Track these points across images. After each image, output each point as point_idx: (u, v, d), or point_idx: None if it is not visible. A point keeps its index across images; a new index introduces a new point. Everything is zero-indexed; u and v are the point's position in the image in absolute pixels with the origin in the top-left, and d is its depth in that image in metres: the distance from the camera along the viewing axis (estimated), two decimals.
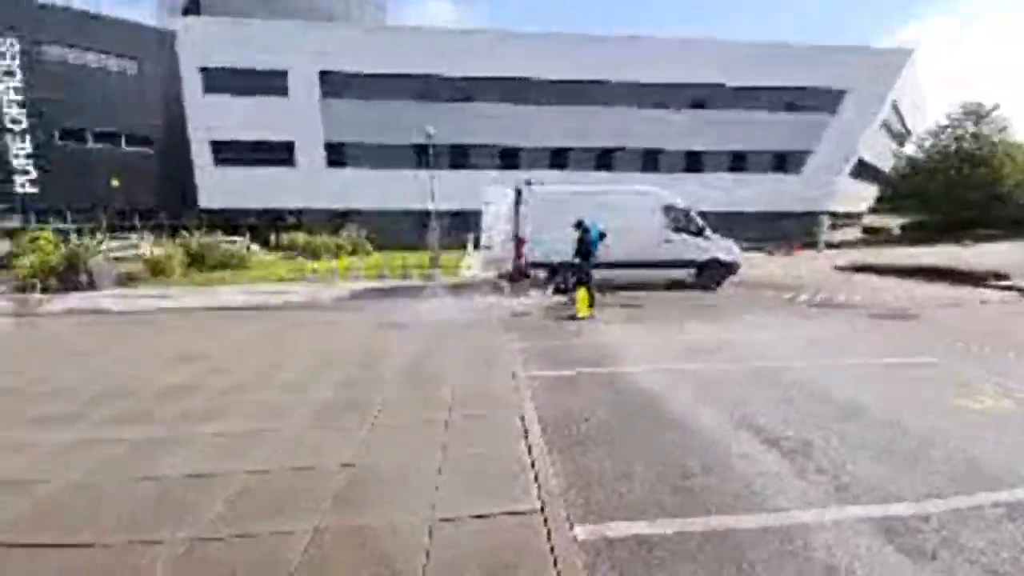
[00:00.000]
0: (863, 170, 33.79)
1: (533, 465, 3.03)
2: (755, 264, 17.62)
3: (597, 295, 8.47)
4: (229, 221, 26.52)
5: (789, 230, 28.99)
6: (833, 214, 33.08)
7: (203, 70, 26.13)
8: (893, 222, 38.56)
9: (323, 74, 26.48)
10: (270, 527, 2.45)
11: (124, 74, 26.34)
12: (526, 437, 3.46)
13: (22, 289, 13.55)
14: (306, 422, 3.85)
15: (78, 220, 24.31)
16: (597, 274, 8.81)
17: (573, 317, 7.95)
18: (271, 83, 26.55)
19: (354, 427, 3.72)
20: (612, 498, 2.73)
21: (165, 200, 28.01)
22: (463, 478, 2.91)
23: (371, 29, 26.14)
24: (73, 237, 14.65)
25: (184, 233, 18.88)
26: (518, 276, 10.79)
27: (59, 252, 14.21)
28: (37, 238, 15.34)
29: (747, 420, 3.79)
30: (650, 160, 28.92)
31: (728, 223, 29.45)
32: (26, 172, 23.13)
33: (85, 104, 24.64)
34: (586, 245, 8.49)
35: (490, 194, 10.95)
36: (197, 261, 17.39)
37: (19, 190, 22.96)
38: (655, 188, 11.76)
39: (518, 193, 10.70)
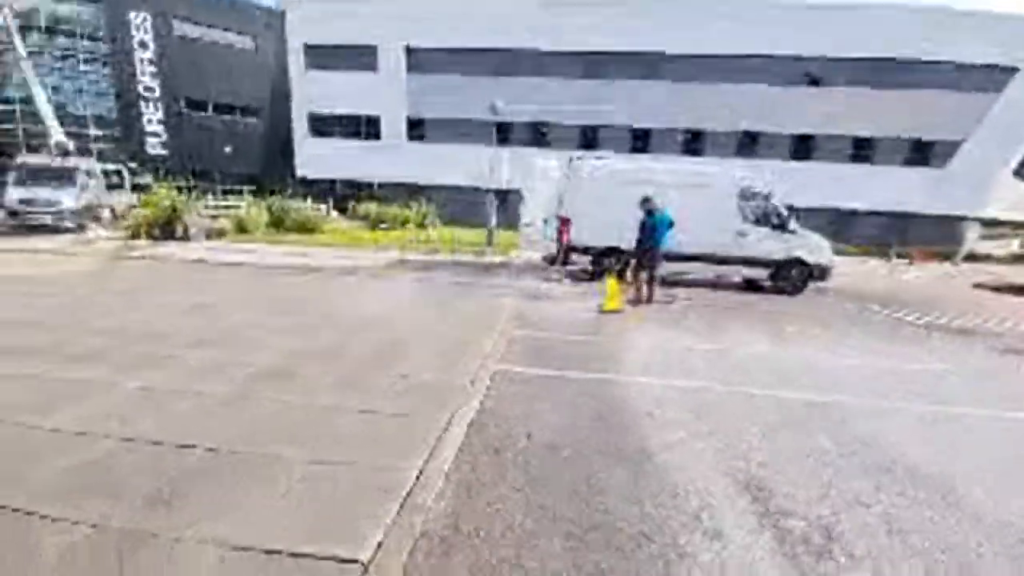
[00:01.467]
0: None
1: (408, 496, 2.32)
2: (863, 272, 14.76)
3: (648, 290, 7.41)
4: (322, 190, 28.41)
5: (923, 235, 24.18)
6: (987, 221, 27.01)
7: (306, 46, 27.88)
8: None
9: (409, 50, 26.90)
10: None
11: (241, 49, 28.97)
12: (431, 453, 2.74)
13: (134, 236, 15.46)
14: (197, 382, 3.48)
15: (198, 181, 27.51)
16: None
17: (602, 310, 6.94)
18: (362, 59, 27.57)
19: (232, 397, 3.27)
20: None
21: (270, 168, 30.70)
22: (310, 496, 2.29)
23: (452, 1, 25.74)
24: (181, 196, 16.27)
25: (275, 198, 20.38)
26: (561, 259, 9.86)
27: (162, 208, 15.93)
28: (154, 194, 17.38)
29: (757, 486, 2.69)
30: (747, 144, 25.49)
31: (842, 223, 25.50)
32: (157, 135, 26.54)
33: (206, 76, 27.57)
34: (649, 230, 7.32)
35: (535, 169, 10.04)
36: (277, 223, 18.72)
37: (150, 151, 26.38)
38: (731, 168, 10.00)
39: (566, 168, 9.70)
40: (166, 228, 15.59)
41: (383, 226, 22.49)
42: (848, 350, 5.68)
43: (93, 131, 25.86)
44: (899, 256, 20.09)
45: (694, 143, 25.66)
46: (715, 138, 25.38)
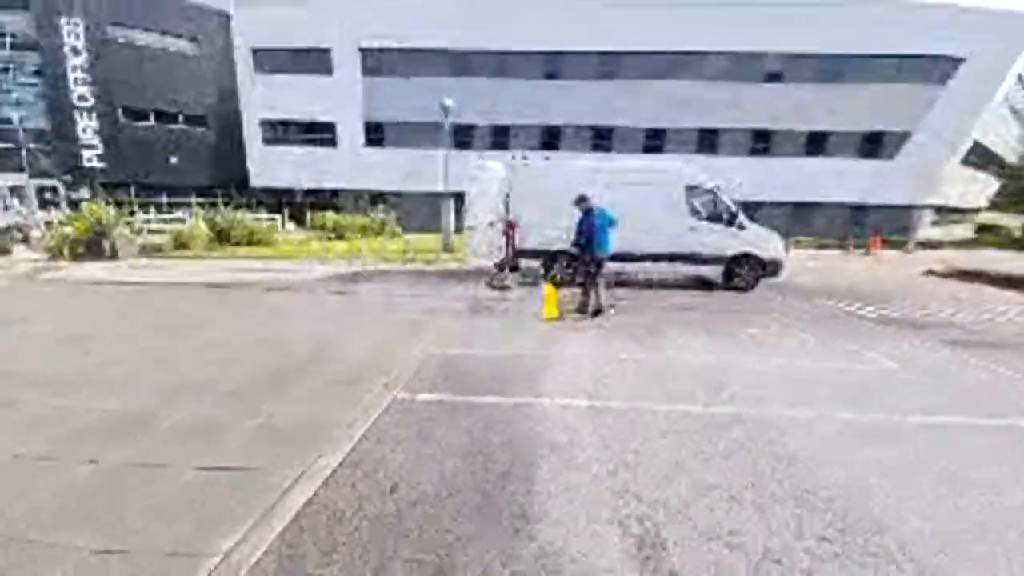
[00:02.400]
0: (979, 157, 27.99)
1: None
2: (818, 265, 14.79)
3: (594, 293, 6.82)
4: (279, 200, 27.20)
5: (878, 225, 24.75)
6: (938, 208, 27.93)
7: (254, 50, 26.66)
8: (1016, 221, 31.93)
9: (363, 51, 26.05)
10: None
11: (183, 55, 27.53)
12: (252, 528, 2.15)
13: (59, 255, 14.23)
14: None
15: (140, 195, 25.95)
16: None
17: (538, 318, 6.43)
18: (315, 62, 26.54)
19: (46, 456, 2.61)
20: None
21: (220, 178, 29.28)
22: None
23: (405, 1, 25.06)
24: (112, 211, 15.11)
25: (222, 210, 19.24)
26: (509, 264, 9.34)
27: (88, 224, 14.74)
28: (80, 210, 16.10)
29: (658, 545, 2.20)
30: (706, 141, 25.61)
31: (801, 216, 25.90)
32: (93, 147, 24.89)
33: (146, 83, 26.07)
34: (588, 230, 6.65)
35: (476, 171, 9.51)
36: (223, 236, 17.63)
37: (87, 164, 24.75)
38: (676, 163, 9.70)
39: (509, 169, 9.21)
40: (93, 246, 14.43)
41: (332, 235, 21.60)
42: (795, 352, 5.33)
43: (26, 145, 24.09)
44: (856, 247, 20.41)
45: (654, 140, 25.64)
46: (676, 135, 25.40)
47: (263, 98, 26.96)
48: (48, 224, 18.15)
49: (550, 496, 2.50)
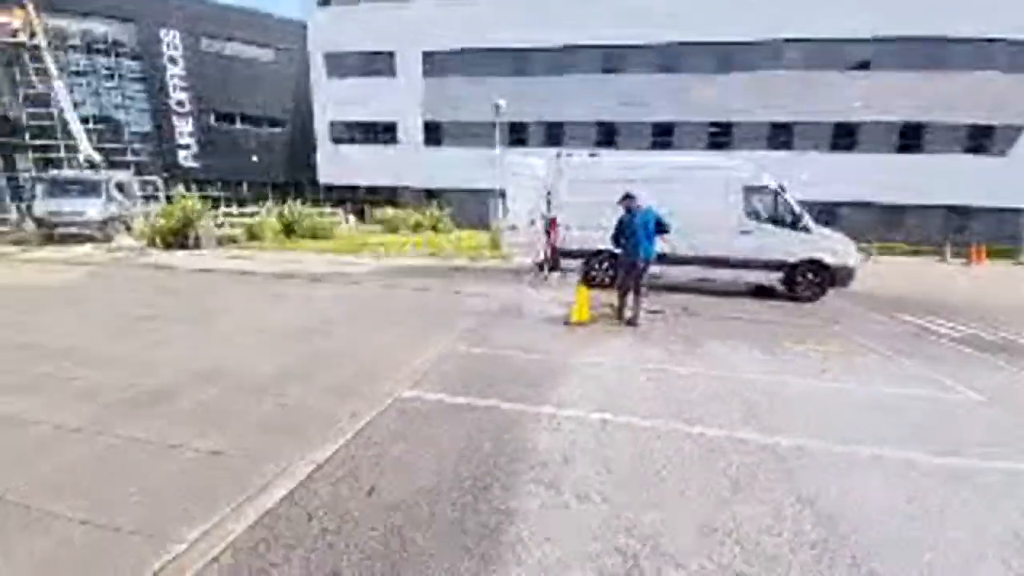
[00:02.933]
0: None
1: None
2: (905, 274, 13.18)
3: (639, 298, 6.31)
4: (344, 196, 28.82)
5: (982, 231, 21.72)
6: None
7: (326, 55, 28.35)
8: None
9: (425, 54, 26.81)
10: None
11: (264, 62, 29.85)
12: (220, 521, 2.16)
13: (151, 244, 15.92)
14: None
15: (226, 190, 28.49)
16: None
17: (567, 322, 6.18)
18: (380, 65, 27.73)
19: (79, 427, 2.80)
20: None
21: (294, 175, 31.44)
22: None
23: (464, 2, 25.41)
24: (196, 205, 16.70)
25: (289, 205, 20.62)
26: (549, 264, 9.14)
27: (177, 217, 16.35)
28: (171, 204, 17.89)
29: None
30: (779, 136, 23.63)
31: (889, 219, 23.18)
32: (188, 148, 27.65)
33: (233, 89, 28.60)
34: (630, 232, 6.09)
35: (519, 166, 9.36)
36: (289, 229, 18.89)
37: (183, 163, 27.54)
38: (735, 161, 8.95)
39: (552, 165, 8.98)
40: (179, 236, 15.95)
41: (387, 230, 22.38)
42: (856, 374, 4.69)
43: (134, 145, 27.23)
44: (955, 255, 17.96)
45: (721, 136, 24.12)
46: (745, 130, 23.73)
47: (332, 100, 28.61)
48: (146, 216, 20.31)
49: (526, 520, 2.31)
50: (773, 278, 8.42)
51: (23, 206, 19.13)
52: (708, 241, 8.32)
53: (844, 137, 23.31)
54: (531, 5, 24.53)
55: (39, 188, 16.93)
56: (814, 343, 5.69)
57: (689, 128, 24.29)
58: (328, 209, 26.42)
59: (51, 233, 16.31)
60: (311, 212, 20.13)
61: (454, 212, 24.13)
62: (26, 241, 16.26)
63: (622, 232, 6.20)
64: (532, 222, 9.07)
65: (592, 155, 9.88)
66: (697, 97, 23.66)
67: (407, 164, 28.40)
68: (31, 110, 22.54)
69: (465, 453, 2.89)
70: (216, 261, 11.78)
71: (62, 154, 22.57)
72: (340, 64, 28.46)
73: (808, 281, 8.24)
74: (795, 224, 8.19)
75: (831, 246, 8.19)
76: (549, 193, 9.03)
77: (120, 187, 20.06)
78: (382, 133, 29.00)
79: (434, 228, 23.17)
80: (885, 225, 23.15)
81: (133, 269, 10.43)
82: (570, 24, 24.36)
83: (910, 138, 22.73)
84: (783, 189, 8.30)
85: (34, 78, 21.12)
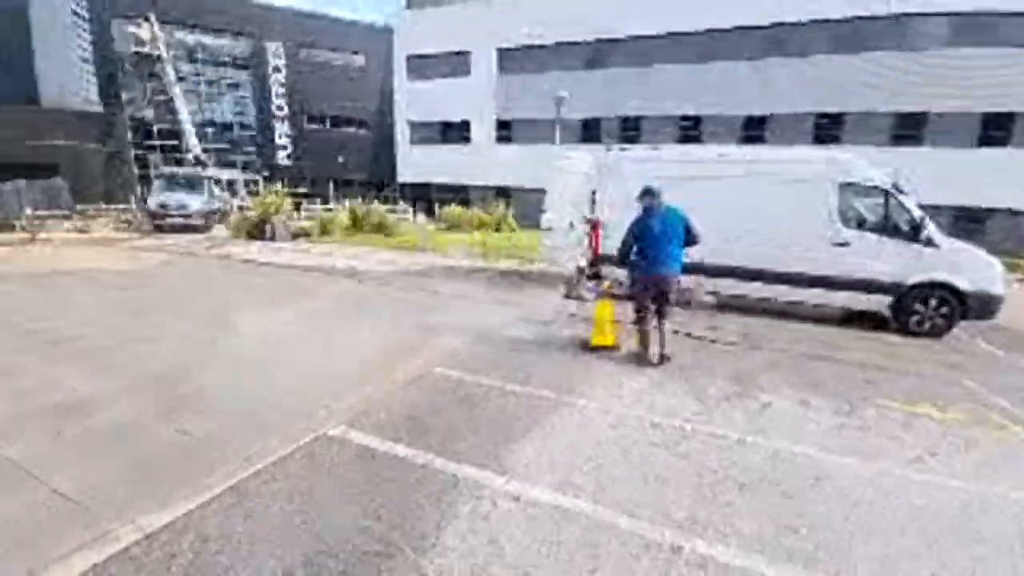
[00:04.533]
0: None
1: None
2: None
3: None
4: (418, 194, 29.66)
5: None
6: None
7: (408, 58, 29.27)
8: None
9: (499, 51, 26.46)
10: None
11: (353, 67, 31.61)
12: None
13: (236, 236, 17.31)
14: None
15: (317, 188, 30.64)
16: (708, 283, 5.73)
17: (586, 346, 5.10)
18: (456, 65, 27.95)
19: None
20: None
21: (376, 174, 32.99)
22: None
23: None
24: (277, 201, 17.90)
25: (358, 202, 21.44)
26: (589, 273, 8.03)
27: (257, 212, 17.59)
28: (255, 201, 19.34)
29: None
30: (826, 128, 19.79)
31: (970, 226, 17.94)
32: (285, 148, 30.13)
33: (324, 94, 30.70)
34: (649, 239, 4.61)
35: (561, 162, 8.34)
36: (357, 224, 19.58)
37: (280, 163, 30.07)
38: (830, 154, 7.10)
39: (599, 161, 7.85)
40: (259, 229, 17.14)
41: (451, 228, 22.33)
42: (991, 465, 3.12)
43: (244, 147, 30.30)
44: None
45: (830, 129, 20.64)
46: (789, 120, 20.25)
47: (411, 101, 29.44)
48: (241, 209, 22.23)
49: None
50: (878, 303, 6.52)
51: (141, 200, 21.90)
52: (788, 253, 6.68)
53: (910, 128, 18.90)
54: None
55: (155, 184, 19.16)
56: (928, 405, 4.05)
57: (786, 121, 21.17)
58: (401, 206, 27.28)
59: (161, 224, 18.31)
60: (378, 209, 20.66)
61: (519, 211, 23.47)
62: (142, 230, 18.48)
63: (640, 238, 4.68)
64: (571, 224, 8.01)
65: (653, 148, 8.58)
66: (798, 84, 20.53)
67: (478, 163, 28.34)
68: (160, 114, 25.93)
69: (330, 547, 2.08)
70: (273, 255, 12.23)
71: (187, 155, 25.76)
72: (420, 65, 29.19)
73: (930, 311, 6.25)
74: (914, 234, 6.24)
75: (967, 265, 6.13)
76: (594, 192, 7.91)
77: (231, 184, 22.20)
78: (456, 131, 29.26)
79: (497, 227, 22.73)
80: (959, 231, 18.04)
81: (197, 259, 11.11)
82: (653, 11, 22.48)
83: (993, 129, 17.80)
84: (899, 189, 6.39)
85: (159, 86, 24.23)
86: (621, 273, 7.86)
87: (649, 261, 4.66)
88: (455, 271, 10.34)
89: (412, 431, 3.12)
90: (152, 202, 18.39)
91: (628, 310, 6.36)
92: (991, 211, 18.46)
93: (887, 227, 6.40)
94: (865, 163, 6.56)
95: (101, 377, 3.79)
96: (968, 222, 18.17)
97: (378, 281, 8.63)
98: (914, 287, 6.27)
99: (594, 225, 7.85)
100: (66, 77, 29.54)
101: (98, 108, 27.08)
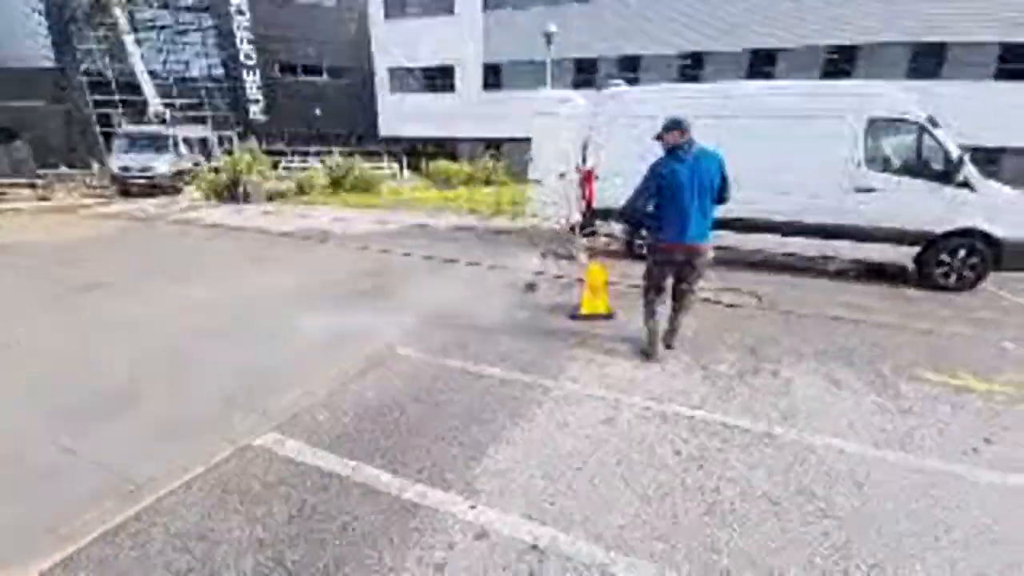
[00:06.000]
0: None
1: None
2: None
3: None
4: (403, 148, 28.03)
5: None
6: None
7: None
8: None
9: None
10: None
11: (325, 8, 28.91)
12: None
13: (207, 198, 16.24)
14: None
15: (293, 144, 28.92)
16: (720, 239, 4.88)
17: (576, 314, 4.47)
18: (438, 1, 25.56)
19: None
20: None
21: (356, 128, 31.01)
22: None
23: None
24: (248, 160, 16.68)
25: (336, 158, 20.11)
26: (581, 227, 7.29)
27: (227, 173, 16.40)
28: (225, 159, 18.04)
29: None
30: (841, 61, 18.31)
31: (983, 165, 16.88)
32: (257, 102, 28.08)
33: (294, 40, 28.16)
34: (671, 193, 3.30)
35: (548, 105, 7.37)
36: (336, 184, 18.42)
37: (252, 118, 28.12)
38: (860, 84, 6.20)
39: (593, 103, 6.90)
40: (230, 191, 16.05)
41: (439, 184, 21.17)
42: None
43: (212, 100, 28.25)
44: None
45: (843, 64, 19.18)
46: (788, 59, 18.75)
47: (390, 45, 27.14)
48: (216, 171, 20.89)
49: None
50: (904, 255, 5.86)
51: (102, 163, 20.45)
52: (805, 201, 5.94)
53: (927, 61, 17.56)
54: None
55: (116, 144, 17.73)
56: (969, 375, 3.49)
57: (794, 57, 19.61)
58: (385, 163, 25.82)
59: (128, 189, 17.09)
60: (359, 166, 19.41)
61: (511, 164, 22.21)
62: (106, 195, 17.28)
63: (659, 191, 3.35)
64: (562, 174, 7.17)
65: (655, 87, 7.60)
66: (810, 15, 18.85)
67: (464, 113, 26.60)
68: (119, 67, 23.80)
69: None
70: (243, 218, 11.34)
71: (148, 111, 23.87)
72: (397, 1, 26.69)
73: (958, 261, 5.61)
74: (948, 176, 5.49)
75: (1007, 210, 5.43)
76: (589, 138, 7.02)
77: (203, 142, 20.64)
78: (440, 79, 27.24)
79: (487, 182, 21.59)
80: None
81: (160, 225, 10.23)
82: None
83: (1013, 62, 16.50)
84: (934, 123, 5.56)
85: (117, 35, 22.04)
86: (616, 227, 7.20)
87: (673, 224, 3.36)
88: (436, 231, 9.56)
89: (358, 433, 2.53)
90: (114, 164, 17.08)
91: (622, 269, 5.70)
92: (1003, 150, 17.52)
93: (919, 168, 5.63)
94: (899, 92, 5.68)
95: None
96: (984, 163, 17.32)
97: (348, 246, 7.86)
98: (945, 235, 5.59)
99: (587, 175, 7.02)
100: (15, 29, 26.98)
101: (51, 64, 24.89)
